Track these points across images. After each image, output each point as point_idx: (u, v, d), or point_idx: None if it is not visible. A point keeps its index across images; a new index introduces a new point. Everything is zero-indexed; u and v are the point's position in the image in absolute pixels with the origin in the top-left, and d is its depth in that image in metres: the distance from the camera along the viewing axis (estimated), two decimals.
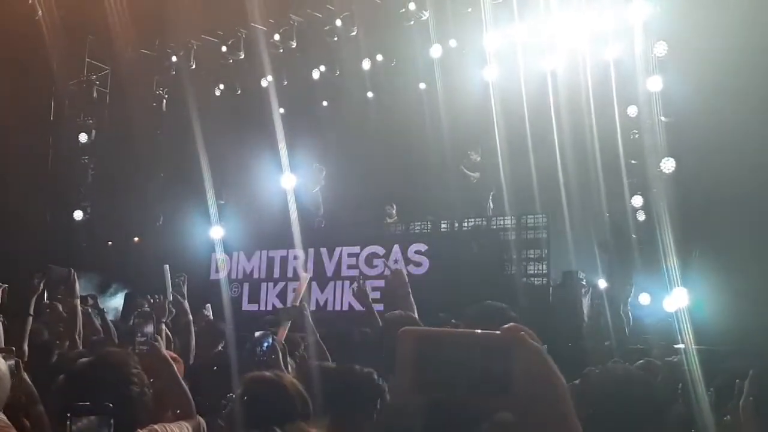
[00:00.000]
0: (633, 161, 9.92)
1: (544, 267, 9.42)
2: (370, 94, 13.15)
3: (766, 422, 2.10)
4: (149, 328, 3.34)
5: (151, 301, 4.57)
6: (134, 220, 14.40)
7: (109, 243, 14.45)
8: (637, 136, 9.83)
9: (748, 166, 8.48)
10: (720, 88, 8.46)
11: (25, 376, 2.73)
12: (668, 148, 9.03)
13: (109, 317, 7.34)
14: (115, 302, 10.78)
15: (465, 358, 1.02)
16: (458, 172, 11.50)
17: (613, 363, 4.18)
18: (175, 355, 3.91)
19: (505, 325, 1.04)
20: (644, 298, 9.05)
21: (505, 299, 7.89)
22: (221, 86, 14.52)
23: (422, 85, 12.59)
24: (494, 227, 10.08)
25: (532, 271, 9.54)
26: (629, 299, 8.76)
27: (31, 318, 4.78)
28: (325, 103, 13.83)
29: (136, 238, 14.43)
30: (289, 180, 11.45)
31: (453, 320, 5.62)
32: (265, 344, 3.33)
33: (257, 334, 3.42)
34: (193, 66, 14.07)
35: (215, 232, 11.23)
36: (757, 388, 2.19)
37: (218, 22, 13.50)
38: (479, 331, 1.05)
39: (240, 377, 2.97)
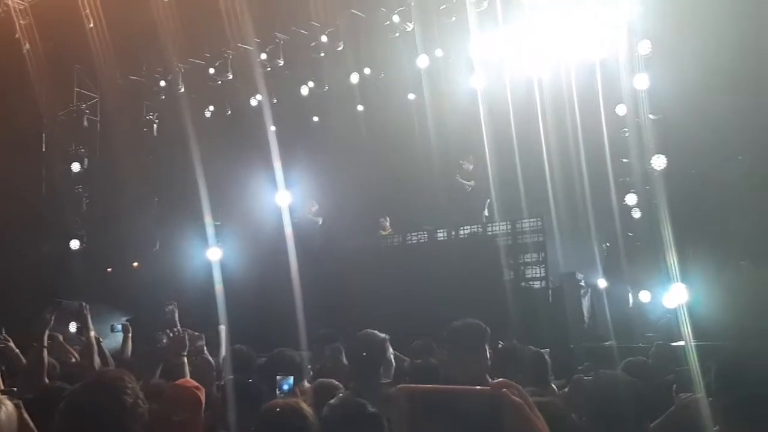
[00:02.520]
0: (624, 160, 9.96)
1: (542, 270, 9.42)
2: (360, 107, 13.21)
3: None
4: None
5: (170, 335, 4.56)
6: (131, 246, 14.39)
7: (108, 270, 14.44)
8: (627, 134, 9.87)
9: (737, 159, 8.55)
10: (705, 83, 8.52)
11: (26, 416, 2.73)
12: (658, 145, 9.07)
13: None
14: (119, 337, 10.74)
15: (455, 414, 1.07)
16: (454, 182, 11.53)
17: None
18: (198, 385, 3.91)
19: (495, 380, 1.10)
20: (644, 296, 9.06)
21: (505, 305, 7.99)
22: (211, 108, 14.57)
23: (411, 96, 12.64)
24: (490, 233, 10.09)
25: (530, 275, 9.54)
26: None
27: (45, 350, 4.79)
28: (315, 119, 13.88)
29: (135, 264, 14.42)
30: (284, 197, 11.46)
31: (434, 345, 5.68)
32: (285, 386, 3.31)
33: (278, 377, 3.40)
34: (182, 89, 14.12)
35: (212, 254, 11.21)
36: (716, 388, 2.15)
37: (204, 45, 13.56)
38: (469, 387, 1.10)
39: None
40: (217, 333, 5.97)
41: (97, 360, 4.96)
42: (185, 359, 4.21)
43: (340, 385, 3.81)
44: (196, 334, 4.97)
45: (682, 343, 5.85)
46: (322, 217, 12.49)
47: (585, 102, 10.47)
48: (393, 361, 3.95)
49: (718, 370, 2.16)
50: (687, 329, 5.78)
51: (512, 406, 1.08)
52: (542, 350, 7.73)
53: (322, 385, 3.75)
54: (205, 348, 4.89)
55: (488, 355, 3.67)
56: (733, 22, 8.51)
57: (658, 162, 8.95)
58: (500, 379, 1.13)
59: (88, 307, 5.07)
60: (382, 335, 3.96)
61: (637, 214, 9.79)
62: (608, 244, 10.20)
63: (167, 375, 4.16)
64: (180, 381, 3.66)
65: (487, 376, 3.54)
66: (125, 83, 14.49)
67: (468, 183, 11.57)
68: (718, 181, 8.76)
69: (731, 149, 8.73)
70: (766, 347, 2.40)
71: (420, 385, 1.16)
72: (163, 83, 14.55)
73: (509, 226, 9.79)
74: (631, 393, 2.50)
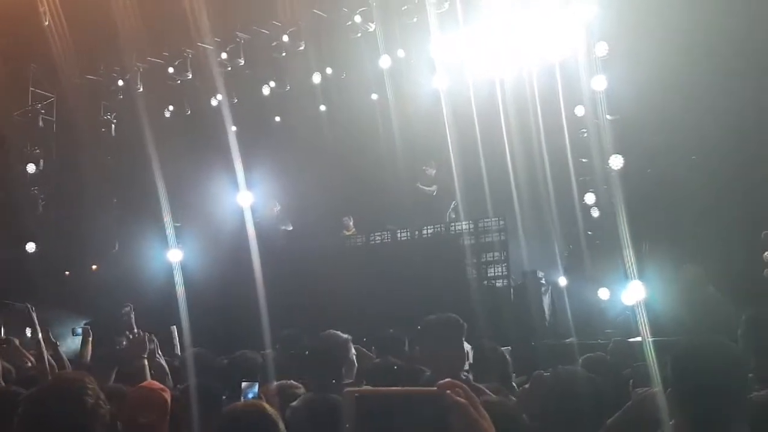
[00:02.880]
0: (583, 159, 10.13)
1: (504, 269, 9.53)
2: (322, 108, 13.15)
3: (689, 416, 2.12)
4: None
5: (130, 337, 4.49)
6: (89, 248, 14.13)
7: (66, 273, 14.16)
8: (586, 135, 10.03)
9: (691, 159, 8.76)
10: (660, 83, 8.72)
11: None
12: (616, 145, 9.25)
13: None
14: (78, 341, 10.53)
15: (400, 416, 1.08)
16: (416, 190, 11.58)
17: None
18: (164, 387, 3.86)
19: (441, 381, 1.10)
20: (604, 293, 9.22)
21: (468, 303, 8.07)
22: (171, 108, 14.37)
23: (374, 96, 12.64)
24: (453, 233, 10.17)
25: (492, 274, 9.65)
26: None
27: None
28: (277, 119, 13.80)
29: (94, 266, 14.16)
30: (246, 198, 11.36)
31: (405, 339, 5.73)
32: (250, 395, 3.24)
33: (243, 384, 3.33)
34: (141, 89, 13.90)
35: (173, 255, 11.06)
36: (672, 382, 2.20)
37: (163, 44, 13.38)
38: (415, 388, 1.12)
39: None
40: (170, 334, 5.92)
41: (49, 361, 4.87)
42: (146, 362, 4.16)
43: (301, 386, 3.81)
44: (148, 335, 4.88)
45: (639, 339, 5.97)
46: (286, 217, 12.44)
47: (546, 103, 10.62)
48: (355, 361, 3.97)
49: (674, 363, 2.22)
50: (644, 325, 5.90)
51: (456, 407, 1.09)
52: (504, 348, 7.86)
53: (283, 387, 3.74)
54: (158, 350, 4.81)
55: (465, 349, 3.64)
56: (687, 23, 8.72)
57: (616, 162, 9.12)
58: (446, 379, 1.14)
59: (33, 308, 4.98)
60: (345, 336, 3.97)
61: (596, 213, 9.97)
62: (571, 246, 10.35)
63: (128, 378, 4.10)
64: (145, 383, 3.62)
65: (461, 373, 3.54)
66: (82, 82, 14.21)
67: (429, 189, 11.64)
68: (673, 180, 8.97)
69: (686, 149, 8.94)
70: (719, 341, 2.47)
71: (367, 388, 1.17)
72: (121, 83, 14.32)
73: (472, 226, 9.88)
74: (590, 388, 2.55)
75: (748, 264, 7.83)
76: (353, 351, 3.98)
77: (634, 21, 9.25)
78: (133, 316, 4.90)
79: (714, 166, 8.63)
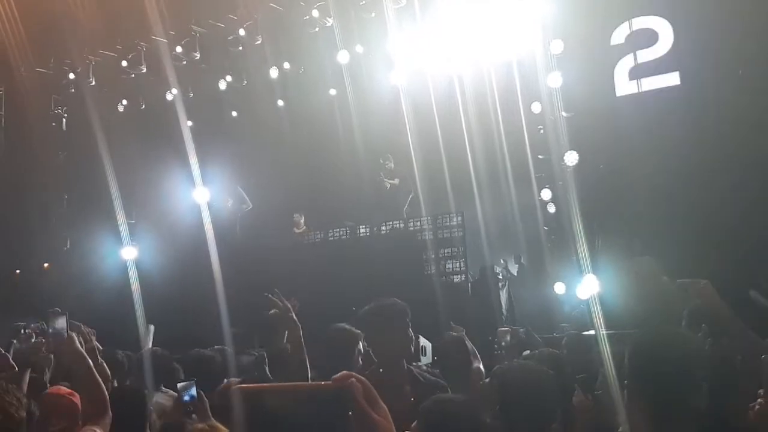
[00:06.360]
0: (540, 156, 10.24)
1: (462, 264, 9.59)
2: (280, 102, 13.04)
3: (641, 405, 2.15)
4: (61, 323, 3.26)
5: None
6: (41, 246, 13.78)
7: (17, 271, 13.80)
8: (542, 131, 10.14)
9: (643, 154, 8.94)
10: (612, 81, 8.87)
11: None
12: (571, 142, 9.38)
13: None
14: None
15: (291, 412, 1.05)
16: (378, 181, 11.55)
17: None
18: (71, 390, 3.67)
19: (336, 375, 1.07)
20: (559, 287, 9.35)
21: (426, 298, 8.09)
22: (124, 102, 14.10)
23: (332, 92, 12.57)
24: (412, 229, 10.19)
25: (450, 269, 9.70)
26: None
27: None
28: (234, 114, 13.64)
29: (45, 264, 13.83)
30: (202, 193, 11.20)
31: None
32: (187, 397, 3.10)
33: (179, 385, 3.18)
34: (93, 82, 13.59)
35: (127, 253, 10.85)
36: (630, 371, 2.24)
37: (116, 37, 13.09)
38: (309, 383, 1.09)
39: None
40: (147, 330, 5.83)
41: None
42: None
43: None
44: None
45: (592, 332, 6.05)
46: (244, 197, 12.23)
47: (504, 99, 10.69)
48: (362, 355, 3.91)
49: (632, 356, 2.24)
50: (598, 319, 5.98)
51: (352, 404, 1.06)
52: None
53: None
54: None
55: (411, 335, 3.55)
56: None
57: (571, 158, 9.25)
58: (343, 372, 1.10)
59: None
60: (357, 331, 3.90)
61: (552, 208, 10.09)
62: (523, 261, 10.53)
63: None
64: (53, 389, 3.47)
65: (404, 361, 3.49)
66: (32, 76, 13.82)
67: (392, 181, 11.64)
68: (625, 175, 9.13)
69: (637, 145, 9.10)
70: (675, 331, 2.51)
71: (257, 385, 1.14)
72: (72, 76, 13.98)
73: (430, 222, 9.91)
74: (544, 383, 2.57)
75: (699, 257, 8.02)
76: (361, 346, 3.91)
77: (586, 19, 9.39)
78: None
79: (664, 161, 8.82)
